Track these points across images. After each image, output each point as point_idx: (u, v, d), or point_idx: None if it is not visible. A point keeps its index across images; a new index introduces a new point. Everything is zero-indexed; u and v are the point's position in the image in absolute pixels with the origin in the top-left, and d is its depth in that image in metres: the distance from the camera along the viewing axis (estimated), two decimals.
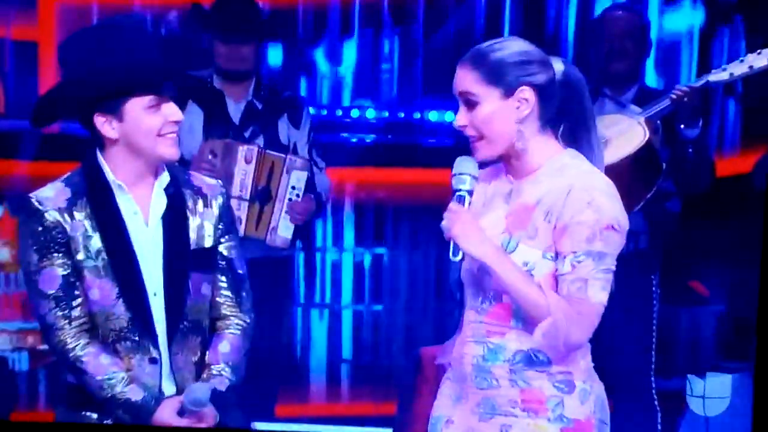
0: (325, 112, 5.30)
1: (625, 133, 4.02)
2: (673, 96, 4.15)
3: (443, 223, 2.83)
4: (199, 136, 4.51)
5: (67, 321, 3.09)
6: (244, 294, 3.23)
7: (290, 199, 4.49)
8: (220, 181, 3.29)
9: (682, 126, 4.24)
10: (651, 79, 4.95)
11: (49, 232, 3.08)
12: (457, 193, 2.86)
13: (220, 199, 3.21)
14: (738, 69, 4.07)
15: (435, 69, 5.27)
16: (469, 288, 2.92)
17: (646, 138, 4.00)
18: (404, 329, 5.31)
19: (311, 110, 4.80)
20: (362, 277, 5.35)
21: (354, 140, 5.29)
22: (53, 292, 3.09)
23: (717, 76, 4.12)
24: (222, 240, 3.20)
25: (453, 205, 2.84)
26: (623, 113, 4.23)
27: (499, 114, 2.83)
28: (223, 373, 3.18)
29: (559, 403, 2.84)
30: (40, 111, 3.15)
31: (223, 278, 3.21)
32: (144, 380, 3.12)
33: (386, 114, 5.31)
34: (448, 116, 5.20)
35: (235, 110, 4.59)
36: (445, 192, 2.92)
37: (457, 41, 5.20)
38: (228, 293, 3.21)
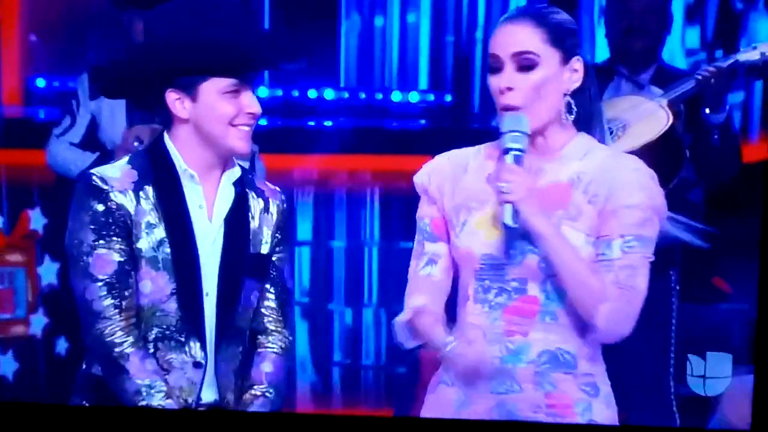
0: (280, 93, 5.16)
1: (646, 117, 3.92)
2: (699, 77, 4.05)
3: (502, 185, 2.70)
4: (122, 122, 4.36)
5: (117, 311, 3.02)
6: (288, 308, 3.18)
7: None
8: (278, 188, 3.22)
9: (707, 110, 4.12)
10: (671, 56, 4.81)
11: (112, 214, 3.03)
12: (513, 153, 2.74)
13: (280, 206, 3.16)
14: None
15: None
16: (477, 280, 2.80)
17: (669, 123, 3.89)
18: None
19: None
20: (351, 273, 5.22)
21: (311, 124, 5.16)
22: (106, 278, 3.02)
23: (747, 55, 4.02)
24: (277, 249, 3.14)
25: (513, 166, 2.72)
26: (642, 95, 4.13)
27: (555, 80, 2.77)
28: (267, 394, 3.12)
29: (587, 408, 2.77)
30: (110, 79, 3.11)
31: (272, 289, 3.15)
32: (182, 384, 3.06)
33: (346, 95, 5.18)
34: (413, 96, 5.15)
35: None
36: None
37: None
38: (274, 306, 3.15)
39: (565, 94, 2.78)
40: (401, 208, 5.18)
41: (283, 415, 3.22)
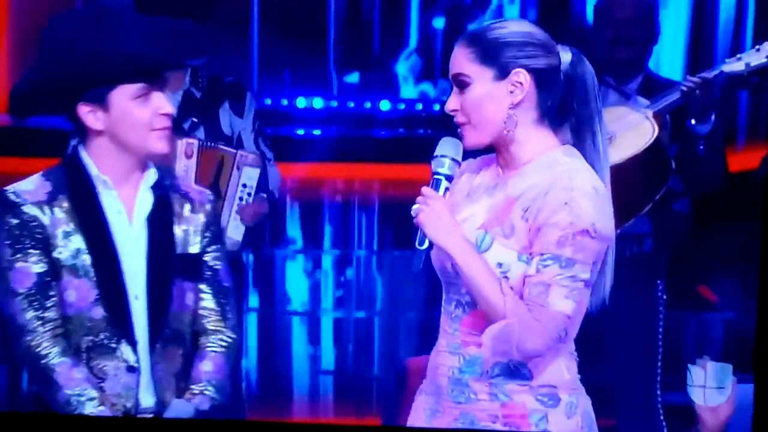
0: (269, 102, 5.18)
1: (632, 129, 3.92)
2: (684, 88, 4.05)
3: (414, 207, 2.76)
4: None
5: (40, 323, 3.01)
6: (229, 308, 3.18)
7: (241, 198, 4.32)
8: (208, 189, 3.25)
9: (692, 121, 4.13)
10: (657, 66, 4.84)
11: (26, 227, 3.03)
12: (434, 176, 2.78)
13: (208, 207, 3.17)
14: (755, 59, 4.00)
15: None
16: (445, 292, 2.85)
17: (655, 135, 3.89)
18: (387, 337, 5.21)
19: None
20: (343, 281, 5.25)
21: (301, 132, 5.20)
22: (26, 290, 3.02)
23: (731, 66, 4.02)
24: (208, 249, 3.15)
25: (425, 189, 2.77)
26: (628, 105, 4.13)
27: (490, 97, 2.76)
28: (206, 392, 3.12)
29: (542, 418, 2.78)
30: (20, 100, 3.09)
31: (208, 290, 3.16)
32: (118, 391, 3.05)
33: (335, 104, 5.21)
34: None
35: (171, 101, 4.44)
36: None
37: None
38: (212, 306, 3.16)
39: (511, 108, 2.78)
40: (391, 215, 5.22)
41: (269, 424, 3.23)
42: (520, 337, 2.70)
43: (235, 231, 4.32)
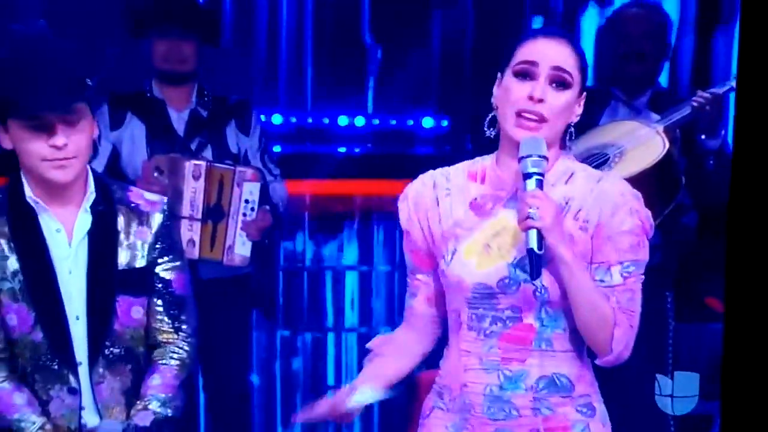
0: (294, 120, 5.24)
1: (642, 143, 3.97)
2: (695, 104, 4.10)
3: (530, 210, 2.71)
4: (143, 152, 4.40)
5: None
6: (184, 318, 3.20)
7: (244, 214, 4.38)
8: (164, 197, 3.24)
9: (702, 136, 4.19)
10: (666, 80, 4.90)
11: None
12: (536, 177, 2.75)
13: (159, 217, 3.17)
14: None
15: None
16: (470, 308, 2.83)
17: (666, 150, 3.94)
18: None
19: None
20: (348, 297, 5.30)
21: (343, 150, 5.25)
22: None
23: None
24: (160, 260, 3.16)
25: (538, 192, 2.73)
26: (639, 120, 4.17)
27: (571, 106, 2.82)
28: (149, 407, 3.13)
29: (584, 429, 2.84)
30: None
31: (160, 302, 3.17)
32: (62, 412, 3.08)
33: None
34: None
35: (178, 120, 4.49)
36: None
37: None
38: (164, 318, 3.18)
39: (568, 125, 2.83)
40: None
41: None
42: (624, 344, 2.81)
43: (242, 247, 4.37)
